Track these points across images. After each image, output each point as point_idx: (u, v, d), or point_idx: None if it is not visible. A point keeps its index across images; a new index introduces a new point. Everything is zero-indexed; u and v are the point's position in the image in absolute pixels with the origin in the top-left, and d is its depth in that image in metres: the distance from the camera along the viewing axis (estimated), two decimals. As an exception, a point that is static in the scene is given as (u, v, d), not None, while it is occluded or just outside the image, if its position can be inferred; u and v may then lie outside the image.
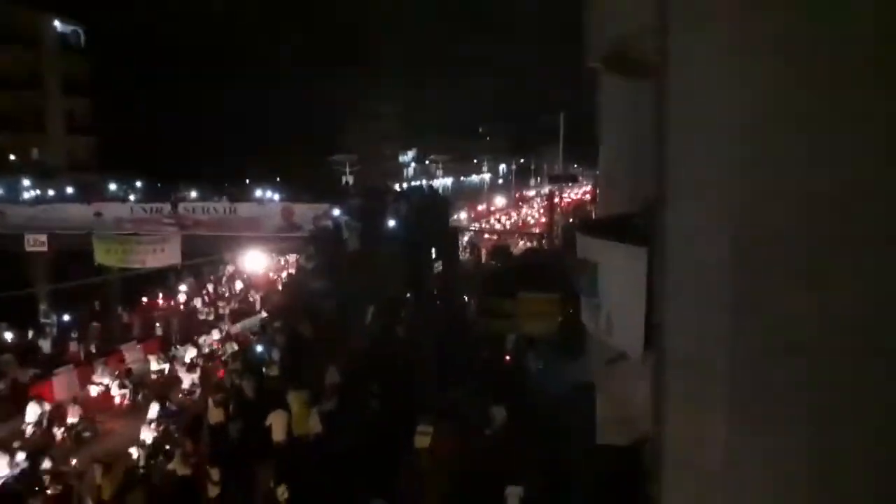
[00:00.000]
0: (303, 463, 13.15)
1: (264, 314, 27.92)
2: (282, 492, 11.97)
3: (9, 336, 25.81)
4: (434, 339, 19.90)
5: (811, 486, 4.39)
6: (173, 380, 21.81)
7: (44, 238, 28.89)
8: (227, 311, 31.21)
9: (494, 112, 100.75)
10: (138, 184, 35.76)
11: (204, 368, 21.55)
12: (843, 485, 4.32)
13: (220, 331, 26.14)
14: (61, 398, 20.61)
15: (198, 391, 20.07)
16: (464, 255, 38.26)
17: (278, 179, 33.34)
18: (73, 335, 26.03)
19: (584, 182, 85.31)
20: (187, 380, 20.88)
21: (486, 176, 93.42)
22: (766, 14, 4.13)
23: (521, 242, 53.17)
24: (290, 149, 54.73)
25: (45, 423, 18.07)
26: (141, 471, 15.02)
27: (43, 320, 29.38)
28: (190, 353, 23.18)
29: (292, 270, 33.24)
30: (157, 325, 28.31)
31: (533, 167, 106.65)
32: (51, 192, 31.53)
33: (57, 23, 43.66)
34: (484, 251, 47.55)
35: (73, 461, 15.77)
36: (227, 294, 34.48)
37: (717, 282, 4.40)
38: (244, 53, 65.92)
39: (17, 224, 29.81)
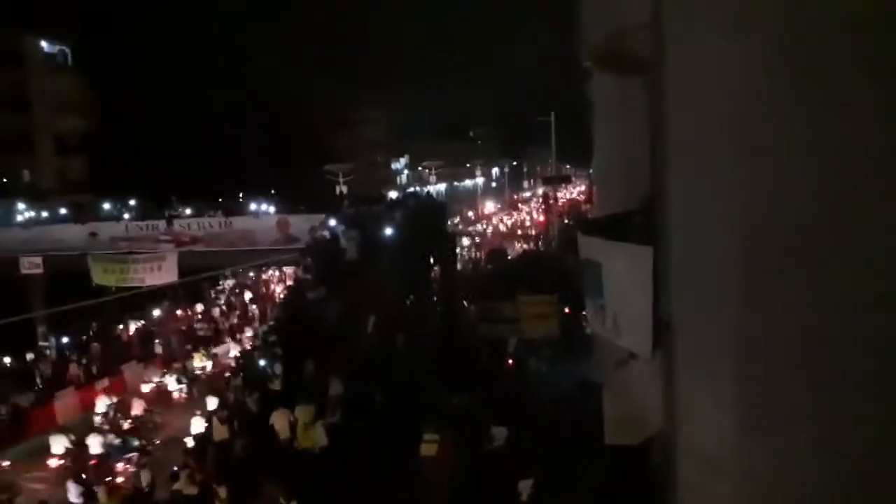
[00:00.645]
0: (310, 477, 13.08)
1: (264, 328, 27.87)
2: (290, 507, 11.90)
3: (7, 360, 25.67)
4: (435, 346, 19.88)
5: (822, 481, 4.36)
6: (221, 375, 22.52)
7: (39, 260, 28.82)
8: (226, 326, 31.10)
9: (485, 116, 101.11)
10: (132, 202, 35.66)
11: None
12: (853, 480, 4.29)
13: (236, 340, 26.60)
14: (64, 422, 20.65)
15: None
16: (461, 260, 38.19)
17: (273, 192, 33.29)
18: (73, 357, 25.88)
19: (578, 182, 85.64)
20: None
21: (480, 180, 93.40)
22: (762, 3, 4.11)
23: (518, 245, 53.23)
24: (283, 160, 54.74)
25: (111, 413, 19.54)
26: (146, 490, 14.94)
27: (41, 343, 29.26)
28: (234, 350, 24.71)
29: (290, 283, 33.14)
30: (157, 342, 28.17)
31: (525, 169, 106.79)
32: (44, 214, 31.42)
33: (44, 43, 43.61)
34: (481, 255, 47.59)
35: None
36: (226, 309, 34.33)
37: (724, 278, 4.37)
38: (233, 66, 66.01)
39: (10, 247, 29.73)
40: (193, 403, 20.83)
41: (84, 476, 15.16)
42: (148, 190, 36.49)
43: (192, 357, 24.92)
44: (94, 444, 17.13)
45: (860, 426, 4.17)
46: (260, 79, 66.86)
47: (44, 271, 29.09)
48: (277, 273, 37.90)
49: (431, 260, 24.31)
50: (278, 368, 16.43)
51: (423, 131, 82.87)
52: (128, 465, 16.84)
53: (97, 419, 19.43)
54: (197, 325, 30.71)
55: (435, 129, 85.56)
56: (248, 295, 36.24)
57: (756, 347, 4.30)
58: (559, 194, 70.23)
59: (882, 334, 4.07)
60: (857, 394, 4.16)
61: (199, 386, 22.75)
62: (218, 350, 26.66)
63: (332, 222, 23.28)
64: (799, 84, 4.06)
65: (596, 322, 6.30)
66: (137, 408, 20.06)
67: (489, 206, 79.75)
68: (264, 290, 38.21)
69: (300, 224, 26.03)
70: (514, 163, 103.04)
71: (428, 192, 53.91)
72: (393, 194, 37.10)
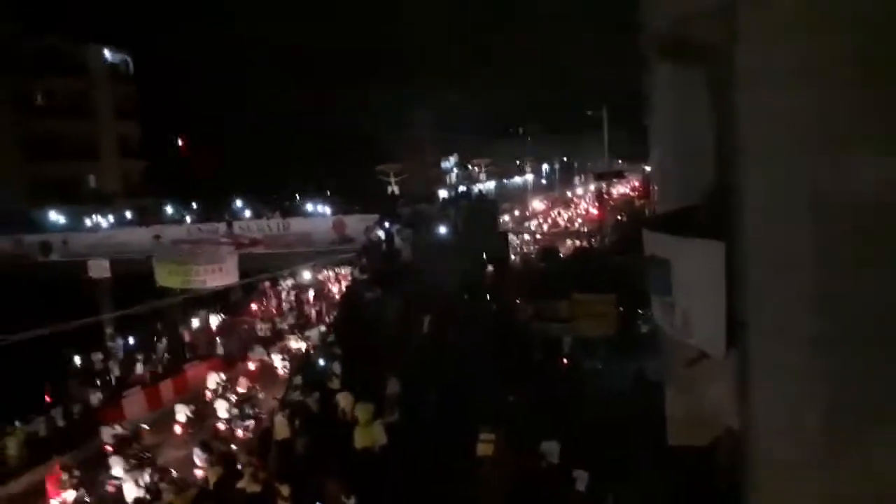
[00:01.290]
0: (370, 475, 13.20)
1: (322, 328, 28.32)
2: (352, 505, 12.02)
3: (77, 360, 26.66)
4: (490, 345, 19.84)
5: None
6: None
7: (106, 264, 29.82)
8: (284, 325, 31.71)
9: (534, 111, 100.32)
10: (193, 205, 36.61)
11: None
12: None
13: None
14: (133, 418, 21.50)
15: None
16: (513, 258, 38.00)
17: (328, 193, 33.74)
18: (139, 357, 26.74)
19: (630, 177, 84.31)
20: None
21: (529, 177, 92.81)
22: None
23: (569, 242, 52.71)
24: (336, 161, 55.46)
25: (220, 389, 21.68)
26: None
27: (109, 344, 30.30)
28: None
29: (346, 283, 33.57)
30: (218, 342, 28.89)
31: (576, 165, 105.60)
32: (110, 218, 32.50)
33: (106, 52, 45.17)
34: (533, 253, 47.27)
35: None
36: (285, 309, 34.97)
37: (805, 273, 4.21)
38: (286, 69, 67.15)
39: (79, 251, 30.84)
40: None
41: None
42: (207, 193, 37.40)
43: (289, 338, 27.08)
44: (221, 409, 19.99)
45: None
46: (312, 81, 67.87)
47: (111, 274, 30.09)
48: (333, 273, 38.45)
49: (485, 258, 24.27)
50: (337, 367, 16.62)
51: (473, 129, 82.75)
52: (246, 432, 18.91)
53: (209, 394, 21.94)
54: (257, 326, 31.40)
55: (484, 127, 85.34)
56: (304, 295, 36.96)
57: (841, 346, 4.14)
58: (612, 190, 69.35)
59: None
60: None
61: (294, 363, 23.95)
62: (310, 333, 27.92)
63: (387, 223, 23.45)
64: (886, 73, 3.88)
65: (664, 320, 6.14)
66: (243, 385, 22.00)
67: (540, 204, 79.20)
68: (321, 290, 38.87)
69: (355, 224, 26.32)
70: (565, 158, 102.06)
71: (480, 190, 53.89)
72: (443, 193, 37.14)
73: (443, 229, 21.96)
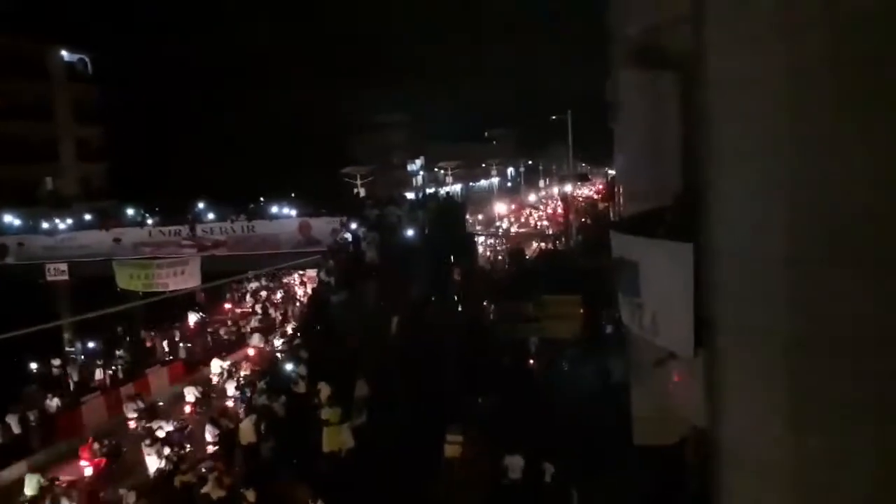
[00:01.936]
0: (337, 478, 13.11)
1: (287, 331, 28.06)
2: (319, 509, 11.92)
3: (34, 366, 25.94)
4: (457, 347, 19.87)
5: (879, 487, 4.25)
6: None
7: (64, 267, 29.10)
8: (248, 329, 31.30)
9: (499, 115, 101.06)
10: (156, 207, 35.90)
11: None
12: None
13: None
14: (91, 425, 21.10)
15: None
16: (479, 260, 38.14)
17: (293, 195, 33.39)
18: (99, 362, 26.13)
19: (594, 180, 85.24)
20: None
21: (495, 180, 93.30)
22: None
23: (535, 245, 53.07)
24: (301, 163, 54.98)
25: (225, 374, 23.70)
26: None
27: (67, 349, 29.56)
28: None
29: (312, 286, 33.31)
30: (181, 346, 28.39)
31: (541, 168, 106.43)
32: (68, 221, 31.62)
33: (64, 52, 44.07)
34: (499, 254, 47.52)
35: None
36: (249, 312, 34.56)
37: (773, 274, 4.27)
38: (251, 71, 66.44)
39: (36, 254, 30.03)
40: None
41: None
42: (169, 195, 36.76)
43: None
44: (230, 388, 21.79)
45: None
46: (278, 83, 67.23)
47: (69, 278, 29.37)
48: (298, 277, 38.10)
49: (452, 260, 24.29)
50: (303, 371, 16.47)
51: (439, 133, 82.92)
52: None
53: (214, 379, 23.94)
54: (221, 330, 30.97)
55: (450, 131, 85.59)
56: (269, 297, 36.60)
57: (811, 347, 4.19)
58: (576, 193, 70.02)
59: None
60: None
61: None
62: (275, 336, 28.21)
63: (353, 225, 23.30)
64: (853, 77, 3.96)
65: (632, 321, 6.22)
66: (246, 368, 24.12)
67: (505, 206, 79.63)
68: (286, 292, 38.49)
69: (322, 227, 26.07)
70: (530, 162, 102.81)
71: (447, 193, 53.91)
72: (409, 195, 37.08)
73: (410, 231, 21.90)
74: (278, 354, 22.53)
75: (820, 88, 4.02)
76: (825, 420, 4.20)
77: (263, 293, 37.65)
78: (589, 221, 51.95)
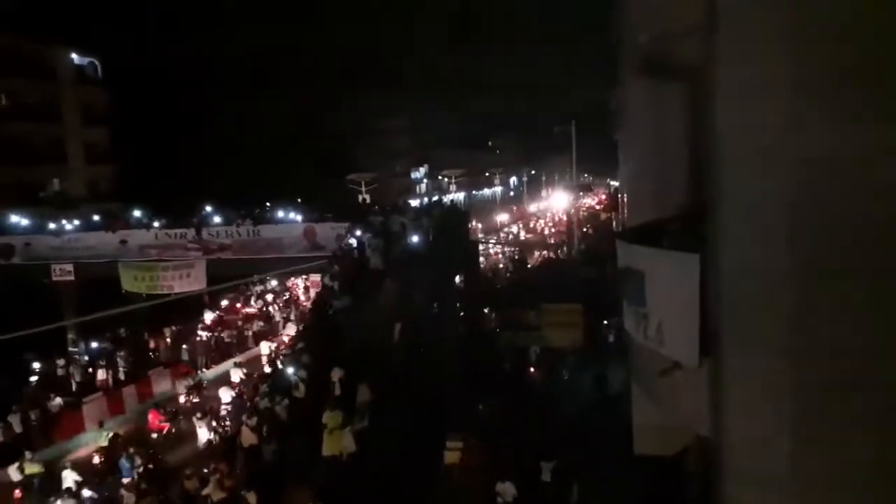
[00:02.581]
0: (338, 483, 13.16)
1: (288, 335, 28.12)
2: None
3: (37, 366, 26.01)
4: (459, 354, 19.93)
5: (877, 495, 4.30)
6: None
7: (70, 267, 29.19)
8: (250, 333, 31.38)
9: (504, 124, 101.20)
10: (162, 210, 35.95)
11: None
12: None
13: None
14: (92, 424, 21.24)
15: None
16: (482, 268, 38.20)
17: (299, 200, 33.45)
18: (102, 363, 26.20)
19: (596, 190, 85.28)
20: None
21: (498, 189, 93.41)
22: (818, 4, 4.07)
23: (537, 253, 53.10)
24: (307, 170, 55.14)
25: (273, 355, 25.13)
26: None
27: (71, 349, 29.62)
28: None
29: (316, 290, 33.36)
30: (184, 348, 28.48)
31: (544, 178, 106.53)
32: (75, 222, 31.71)
33: (74, 55, 44.34)
34: (501, 263, 47.55)
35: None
36: (253, 316, 34.63)
37: (780, 286, 4.33)
38: (257, 75, 66.71)
39: (43, 254, 30.13)
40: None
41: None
42: (175, 199, 36.86)
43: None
44: (268, 368, 23.46)
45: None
46: (284, 88, 67.50)
47: (75, 279, 29.45)
48: (301, 281, 38.15)
49: (455, 267, 24.35)
50: (304, 375, 16.53)
51: (443, 141, 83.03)
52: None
53: (264, 359, 25.80)
54: (224, 333, 31.03)
55: (455, 139, 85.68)
56: (275, 302, 36.70)
57: (816, 358, 4.24)
58: (579, 203, 70.04)
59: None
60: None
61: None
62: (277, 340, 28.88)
63: (358, 231, 23.38)
64: (863, 90, 4.01)
65: (637, 331, 6.29)
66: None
67: (508, 215, 79.69)
68: (290, 296, 38.56)
69: (326, 232, 26.14)
70: (533, 171, 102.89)
71: (452, 200, 53.93)
72: (413, 203, 37.17)
73: (414, 238, 21.98)
74: (280, 358, 22.55)
75: (826, 100, 4.07)
76: (827, 430, 4.24)
77: (269, 296, 37.73)
78: (591, 231, 52.00)
